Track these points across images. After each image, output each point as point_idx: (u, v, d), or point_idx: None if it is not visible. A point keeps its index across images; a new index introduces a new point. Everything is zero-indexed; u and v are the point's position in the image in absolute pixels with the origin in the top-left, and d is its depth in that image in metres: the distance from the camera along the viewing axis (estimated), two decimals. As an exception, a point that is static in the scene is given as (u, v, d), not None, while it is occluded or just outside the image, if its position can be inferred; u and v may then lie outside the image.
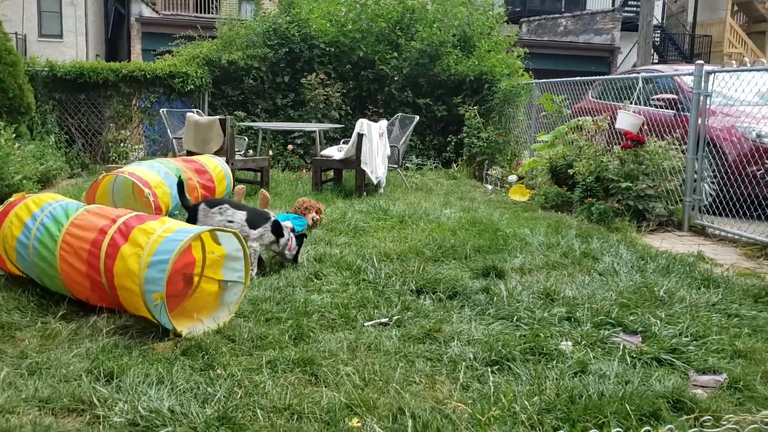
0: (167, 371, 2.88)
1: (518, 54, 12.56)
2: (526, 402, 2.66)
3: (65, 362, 2.94)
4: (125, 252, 3.40)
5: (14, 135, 8.08)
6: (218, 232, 3.74)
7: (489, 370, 3.03)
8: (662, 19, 26.92)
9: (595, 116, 8.28)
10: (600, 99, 9.47)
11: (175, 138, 9.09)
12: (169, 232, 3.44)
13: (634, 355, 3.23)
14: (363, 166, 7.78)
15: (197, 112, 9.41)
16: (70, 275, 3.64)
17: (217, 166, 6.82)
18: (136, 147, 11.35)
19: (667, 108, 7.84)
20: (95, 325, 3.42)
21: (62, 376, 2.82)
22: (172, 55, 12.03)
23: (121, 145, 11.00)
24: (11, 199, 4.17)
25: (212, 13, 22.62)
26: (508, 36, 13.40)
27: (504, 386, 2.82)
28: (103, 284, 3.49)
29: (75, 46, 22.92)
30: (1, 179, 6.46)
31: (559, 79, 10.04)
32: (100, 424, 2.47)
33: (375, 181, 8.06)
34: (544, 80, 10.43)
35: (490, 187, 9.66)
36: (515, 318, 3.72)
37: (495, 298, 4.02)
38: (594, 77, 9.75)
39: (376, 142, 7.87)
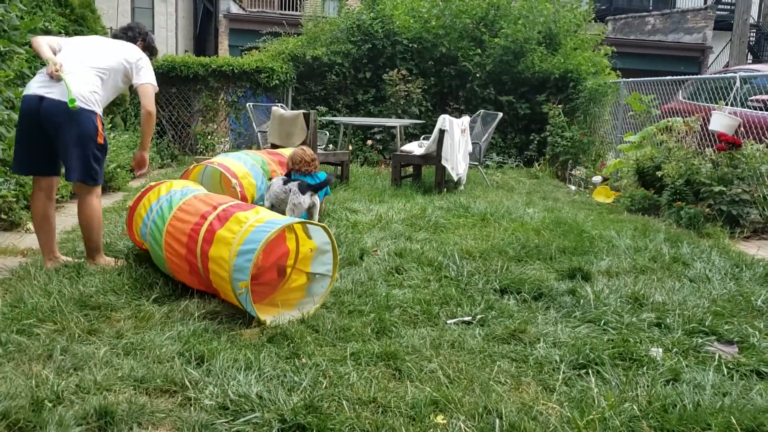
0: (255, 357, 2.93)
1: (605, 52, 12.23)
2: (617, 408, 2.58)
3: (158, 344, 3.04)
4: (219, 238, 3.49)
5: (110, 125, 8.43)
6: (309, 226, 3.79)
7: (576, 373, 2.95)
8: (758, 17, 25.63)
9: (686, 117, 7.95)
10: (691, 99, 9.09)
11: (260, 131, 9.31)
12: (260, 222, 3.51)
13: (731, 366, 3.07)
14: (444, 163, 7.74)
15: (281, 106, 9.58)
16: (172, 258, 3.80)
17: None
18: (223, 139, 11.66)
19: (766, 110, 7.45)
20: (186, 309, 3.52)
21: (156, 357, 2.91)
22: (259, 51, 12.31)
23: (209, 137, 11.32)
24: (152, 183, 4.63)
25: (296, 10, 23.03)
26: (595, 34, 13.06)
27: (594, 390, 2.73)
28: (199, 268, 3.60)
29: (165, 42, 23.76)
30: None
31: (649, 78, 9.71)
32: (191, 406, 2.54)
33: (455, 178, 8.00)
34: (633, 79, 10.10)
35: (573, 187, 9.44)
36: (602, 322, 3.61)
37: (581, 301, 3.91)
38: (686, 77, 9.37)
39: (457, 138, 7.81)
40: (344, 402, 2.58)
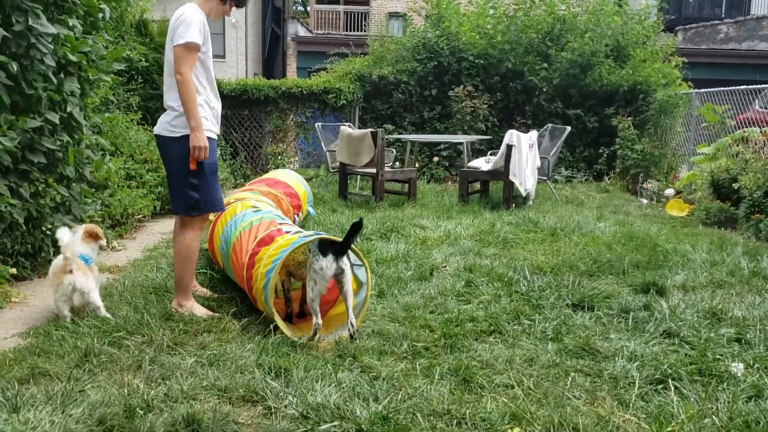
0: (331, 370, 3.02)
1: (676, 63, 11.97)
2: (697, 423, 2.54)
3: (239, 355, 3.17)
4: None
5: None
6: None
7: (653, 388, 2.92)
8: (844, 23, 24.49)
9: (763, 127, 7.71)
10: (770, 109, 8.80)
11: (328, 150, 9.51)
12: (285, 245, 3.66)
13: (818, 383, 2.97)
14: (512, 178, 7.73)
15: (349, 125, 9.76)
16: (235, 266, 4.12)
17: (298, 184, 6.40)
18: (292, 159, 11.95)
19: None
20: (263, 323, 3.66)
21: (237, 367, 3.04)
22: (326, 72, 12.58)
23: (279, 157, 11.62)
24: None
25: (362, 31, 23.42)
26: (665, 45, 12.79)
27: (673, 405, 2.70)
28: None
29: (236, 66, 24.52)
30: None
31: (722, 89, 9.45)
32: (272, 415, 2.64)
33: (524, 193, 7.97)
34: (706, 90, 9.85)
35: (645, 201, 9.25)
36: (679, 336, 3.55)
37: (656, 315, 3.85)
38: (763, 86, 9.08)
39: (525, 153, 7.79)
40: (418, 414, 2.63)
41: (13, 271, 4.46)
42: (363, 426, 2.50)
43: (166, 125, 3.85)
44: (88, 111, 5.40)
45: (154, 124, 3.91)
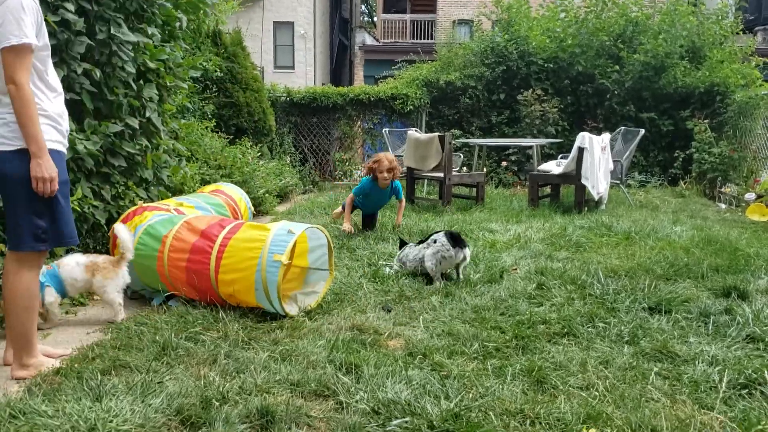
0: (402, 367, 3.02)
1: (756, 63, 11.50)
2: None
3: (311, 351, 3.20)
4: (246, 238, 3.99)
5: (258, 153, 8.99)
6: (307, 232, 4.11)
7: (737, 393, 2.79)
8: None
9: None
10: None
11: (395, 156, 9.52)
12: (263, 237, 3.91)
13: None
14: (584, 181, 7.57)
15: (416, 130, 9.77)
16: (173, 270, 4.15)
17: (241, 198, 6.12)
18: (360, 165, 12.06)
19: None
20: (335, 321, 3.69)
21: (309, 363, 3.07)
22: (393, 79, 12.66)
23: (346, 163, 11.75)
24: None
25: (429, 38, 23.46)
26: (744, 46, 12.31)
27: (758, 410, 2.58)
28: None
29: (305, 76, 24.97)
30: (248, 192, 7.20)
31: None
32: (344, 409, 2.66)
33: (596, 197, 7.79)
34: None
35: (723, 206, 8.90)
36: (764, 341, 3.39)
37: (738, 319, 3.69)
38: None
39: (597, 156, 7.62)
40: (490, 413, 2.59)
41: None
42: (434, 422, 2.48)
43: None
44: (166, 117, 5.59)
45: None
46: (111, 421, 2.43)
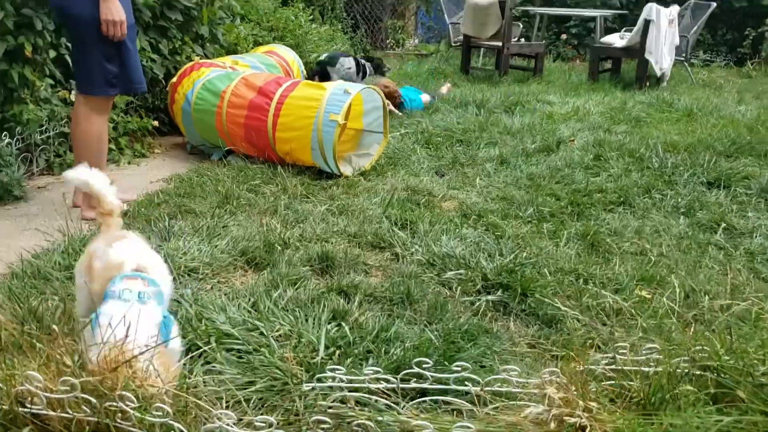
0: (456, 225, 3.07)
1: None
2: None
3: (367, 207, 3.28)
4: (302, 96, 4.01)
5: (311, 17, 8.77)
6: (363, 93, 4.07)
7: (793, 265, 2.79)
8: None
9: None
10: None
11: (451, 23, 9.21)
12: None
13: None
14: (647, 56, 7.24)
15: (475, -3, 9.37)
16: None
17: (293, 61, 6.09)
18: (412, 33, 11.70)
19: None
20: (389, 182, 3.74)
21: (365, 218, 3.14)
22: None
23: (399, 31, 11.41)
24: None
25: None
26: None
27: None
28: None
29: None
30: (300, 56, 7.10)
31: None
32: (400, 260, 2.74)
33: (658, 73, 7.47)
34: None
35: (793, 87, 8.46)
36: (827, 219, 3.33)
37: (802, 198, 3.62)
38: None
39: (664, 29, 7.24)
40: (545, 269, 2.65)
41: (155, 123, 4.72)
42: (489, 275, 2.55)
43: None
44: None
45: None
46: (181, 258, 2.55)
